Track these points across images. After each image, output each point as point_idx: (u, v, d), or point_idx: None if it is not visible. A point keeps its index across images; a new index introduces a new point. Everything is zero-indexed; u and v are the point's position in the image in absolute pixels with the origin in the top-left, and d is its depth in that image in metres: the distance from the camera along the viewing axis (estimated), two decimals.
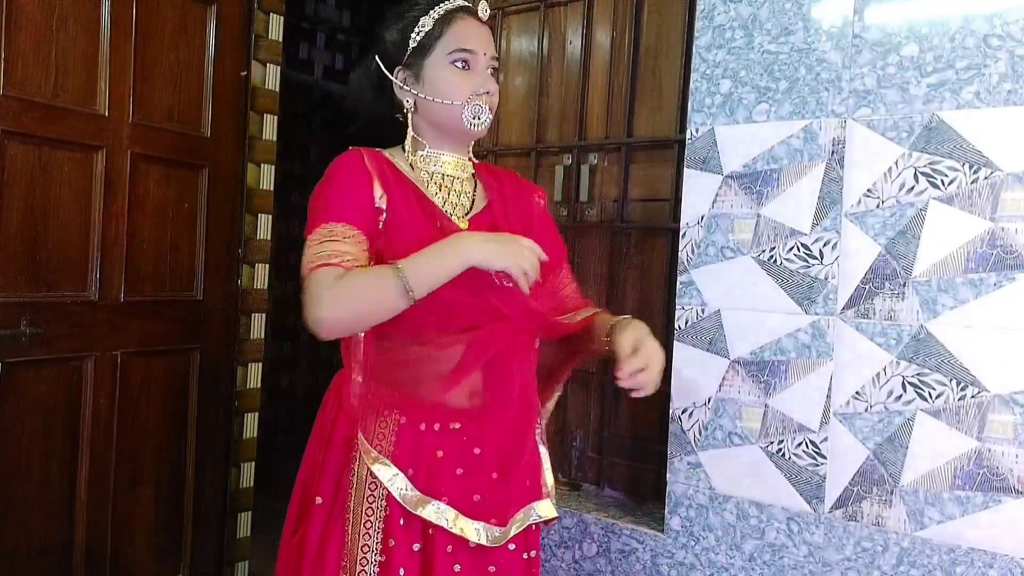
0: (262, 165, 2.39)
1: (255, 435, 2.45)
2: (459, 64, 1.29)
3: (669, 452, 1.75)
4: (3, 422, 1.82)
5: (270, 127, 2.40)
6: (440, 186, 1.34)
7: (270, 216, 2.44)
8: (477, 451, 1.29)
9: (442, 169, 1.35)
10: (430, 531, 1.28)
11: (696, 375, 1.71)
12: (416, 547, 1.26)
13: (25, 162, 1.83)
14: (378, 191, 1.25)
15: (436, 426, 1.28)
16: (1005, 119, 1.40)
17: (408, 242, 1.24)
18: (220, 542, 2.36)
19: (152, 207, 2.10)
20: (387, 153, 1.34)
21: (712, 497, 1.69)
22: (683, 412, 1.73)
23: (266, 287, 2.44)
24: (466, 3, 1.32)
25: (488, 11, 1.33)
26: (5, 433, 1.83)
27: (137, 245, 2.07)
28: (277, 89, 2.40)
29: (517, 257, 1.19)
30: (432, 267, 1.18)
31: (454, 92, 1.29)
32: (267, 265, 2.44)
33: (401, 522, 1.25)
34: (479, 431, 1.29)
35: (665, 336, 1.92)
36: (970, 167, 1.43)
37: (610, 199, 2.06)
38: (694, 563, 1.71)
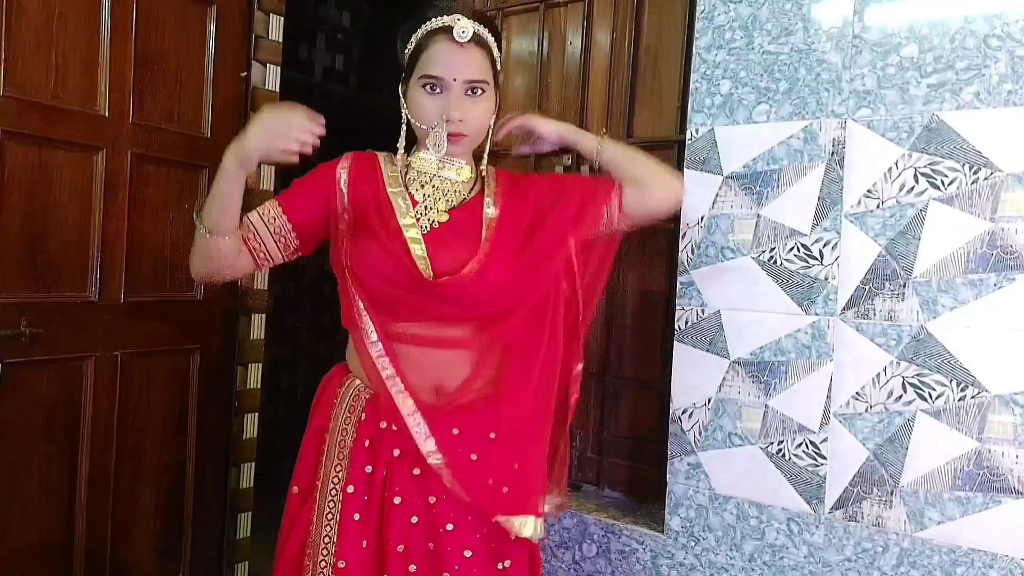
0: (262, 166, 2.38)
1: (255, 435, 2.45)
2: (428, 88, 1.31)
3: (669, 452, 1.75)
4: (3, 422, 1.82)
5: None
6: (428, 183, 1.37)
7: None
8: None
9: (431, 169, 1.37)
10: (384, 531, 1.30)
11: (696, 375, 1.71)
12: (364, 544, 1.29)
13: (25, 162, 1.83)
14: (340, 196, 1.34)
15: (394, 426, 1.30)
16: (1005, 119, 1.40)
17: (364, 242, 1.31)
18: (220, 542, 2.36)
19: (152, 207, 2.10)
20: (382, 156, 1.40)
21: (712, 498, 1.69)
22: (683, 412, 1.73)
23: (266, 287, 2.44)
24: (448, 24, 1.28)
25: (468, 32, 1.28)
26: (5, 433, 1.83)
27: (137, 245, 2.07)
28: (277, 90, 2.40)
29: (277, 132, 1.22)
30: (212, 196, 1.27)
31: (422, 116, 1.32)
32: None
33: (356, 517, 1.29)
34: (444, 429, 1.30)
35: (665, 336, 1.92)
36: (970, 167, 1.43)
37: None
38: (694, 564, 1.71)
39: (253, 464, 2.46)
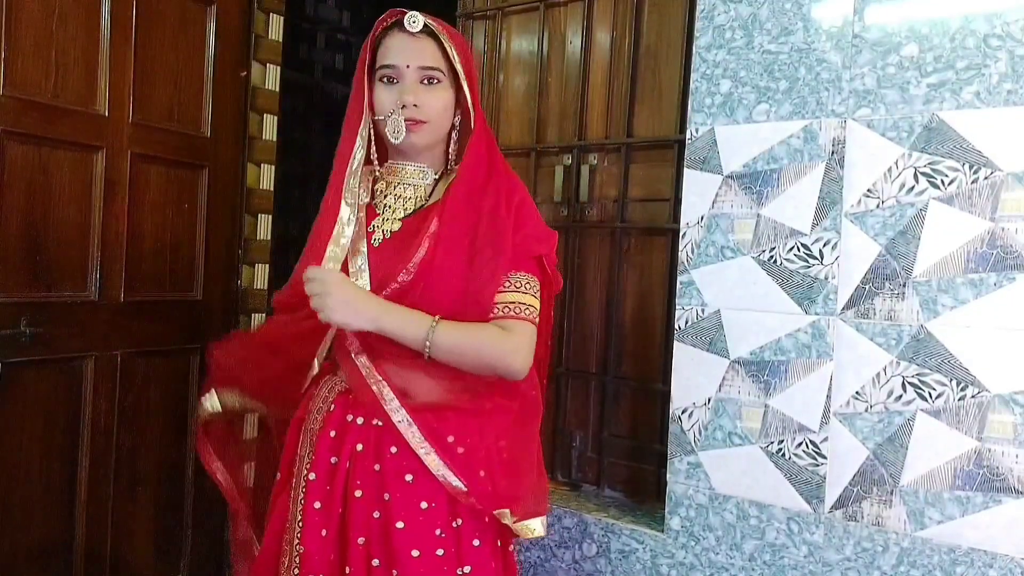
0: (262, 165, 2.39)
1: (255, 434, 2.44)
2: (385, 79, 1.34)
3: (669, 452, 1.75)
4: (3, 422, 1.82)
5: (270, 127, 2.40)
6: (392, 190, 1.40)
7: (270, 216, 2.43)
8: (394, 450, 1.29)
9: (395, 178, 1.40)
10: (346, 522, 1.31)
11: (696, 375, 1.71)
12: (324, 532, 1.30)
13: (25, 162, 1.83)
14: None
15: (359, 420, 1.32)
16: (1005, 119, 1.40)
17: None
18: (220, 542, 2.36)
19: (152, 207, 2.10)
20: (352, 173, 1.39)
21: (712, 497, 1.69)
22: (683, 412, 1.73)
23: (266, 287, 2.44)
24: (399, 18, 1.33)
25: (418, 23, 1.31)
26: (5, 433, 1.83)
27: (137, 245, 2.07)
28: (277, 89, 2.40)
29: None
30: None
31: (380, 106, 1.34)
32: (267, 265, 2.44)
33: (317, 505, 1.31)
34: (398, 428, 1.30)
35: (665, 336, 1.92)
36: (970, 167, 1.43)
37: (610, 199, 2.06)
38: (694, 563, 1.71)
39: (254, 464, 2.45)
